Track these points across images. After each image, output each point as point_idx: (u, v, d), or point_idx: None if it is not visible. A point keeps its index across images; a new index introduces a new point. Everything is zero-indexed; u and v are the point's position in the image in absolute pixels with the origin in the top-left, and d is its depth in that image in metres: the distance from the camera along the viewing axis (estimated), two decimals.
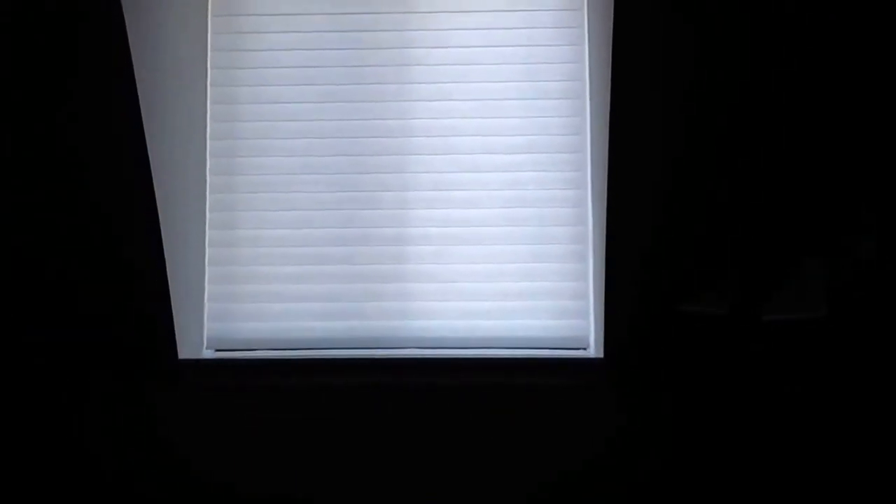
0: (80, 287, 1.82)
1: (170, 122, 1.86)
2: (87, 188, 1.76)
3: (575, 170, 1.97)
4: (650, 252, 1.77)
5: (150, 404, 1.89)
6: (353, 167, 2.00)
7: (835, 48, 1.68)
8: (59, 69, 1.70)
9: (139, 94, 1.71)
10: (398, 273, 1.99)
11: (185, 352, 1.90)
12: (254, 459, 1.87)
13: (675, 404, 1.83)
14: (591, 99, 1.95)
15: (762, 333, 1.79)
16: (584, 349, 1.95)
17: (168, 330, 1.85)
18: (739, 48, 1.68)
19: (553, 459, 1.84)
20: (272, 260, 2.00)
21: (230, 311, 2.00)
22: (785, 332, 1.78)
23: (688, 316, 1.79)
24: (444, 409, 1.86)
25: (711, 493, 1.81)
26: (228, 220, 2.01)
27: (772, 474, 1.81)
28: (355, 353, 1.96)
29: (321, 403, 1.87)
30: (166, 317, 1.84)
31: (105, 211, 1.78)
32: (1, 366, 1.87)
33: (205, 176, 2.01)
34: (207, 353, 2.00)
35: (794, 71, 1.69)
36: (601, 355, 1.87)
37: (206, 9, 2.02)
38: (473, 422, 1.85)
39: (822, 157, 1.72)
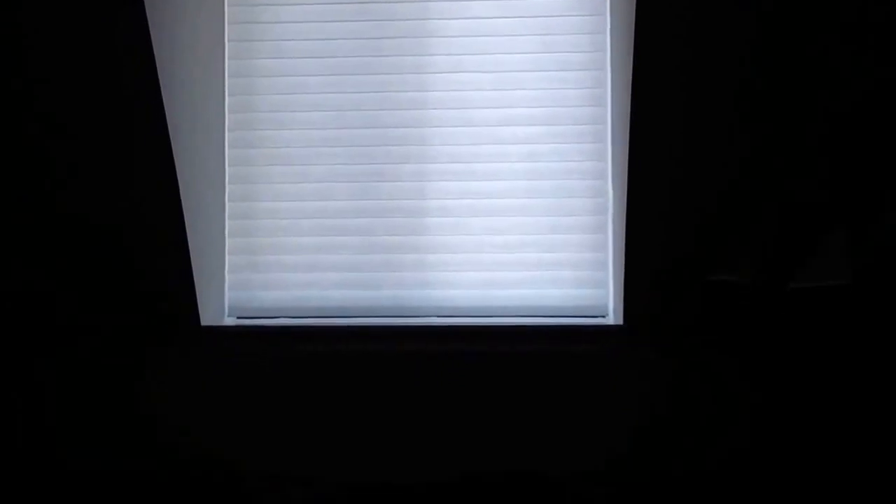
0: (105, 260, 1.85)
1: (188, 95, 1.85)
2: (107, 163, 1.76)
3: (595, 141, 1.96)
4: (670, 223, 1.77)
5: (173, 368, 1.93)
6: (371, 140, 2.00)
7: (858, 28, 1.64)
8: (75, 44, 1.69)
9: (157, 67, 1.70)
10: (417, 244, 2.00)
11: (207, 319, 1.94)
12: (272, 423, 1.92)
13: (691, 369, 1.87)
14: (612, 70, 1.93)
15: (782, 301, 1.80)
16: (604, 317, 1.98)
17: (190, 298, 1.88)
18: (765, 13, 1.64)
19: (572, 424, 1.88)
20: (291, 231, 2.01)
21: (251, 281, 2.03)
22: (804, 301, 1.80)
23: (707, 284, 1.81)
24: (463, 377, 1.89)
25: (729, 460, 1.86)
26: (247, 193, 2.02)
27: (789, 442, 1.85)
28: (375, 322, 1.98)
29: (341, 370, 1.91)
30: (189, 286, 1.87)
31: (126, 186, 1.79)
32: (32, 336, 1.93)
33: (223, 149, 2.01)
34: (229, 321, 2.04)
35: (822, 40, 1.65)
36: (620, 322, 1.90)
37: None
38: (493, 388, 1.89)
39: (849, 126, 1.70)
